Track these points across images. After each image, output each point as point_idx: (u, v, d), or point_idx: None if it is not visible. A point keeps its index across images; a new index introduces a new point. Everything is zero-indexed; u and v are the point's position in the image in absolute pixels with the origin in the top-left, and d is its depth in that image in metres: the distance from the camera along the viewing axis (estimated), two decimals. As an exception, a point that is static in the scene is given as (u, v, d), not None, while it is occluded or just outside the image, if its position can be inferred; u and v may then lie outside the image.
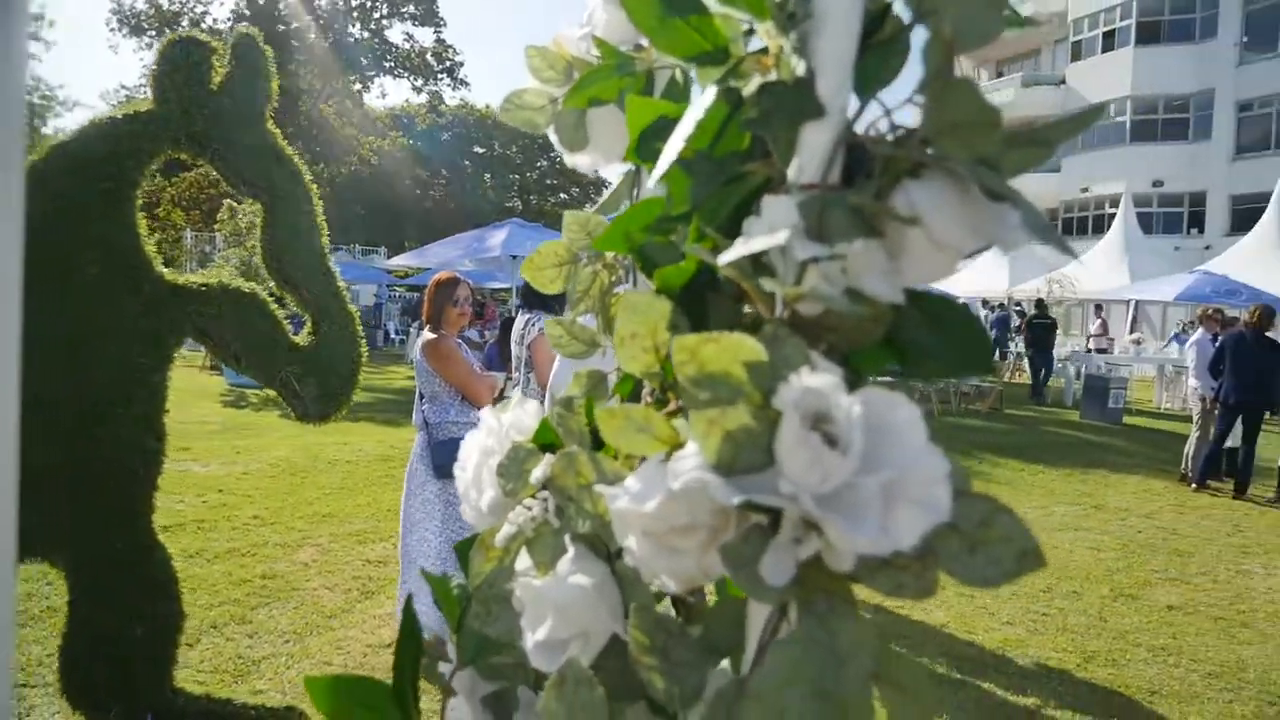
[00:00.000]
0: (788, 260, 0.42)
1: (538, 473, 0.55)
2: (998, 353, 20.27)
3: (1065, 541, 6.47)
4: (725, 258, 0.42)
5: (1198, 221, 32.40)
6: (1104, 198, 33.07)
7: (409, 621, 0.64)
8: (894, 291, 0.42)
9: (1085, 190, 34.76)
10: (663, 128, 0.52)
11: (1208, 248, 26.79)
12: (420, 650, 0.63)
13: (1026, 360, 18.33)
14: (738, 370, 0.40)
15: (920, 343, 0.44)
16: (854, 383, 0.42)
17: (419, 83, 34.78)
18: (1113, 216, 24.61)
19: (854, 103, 0.47)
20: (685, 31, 0.53)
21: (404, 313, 27.11)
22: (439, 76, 35.15)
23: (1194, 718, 3.86)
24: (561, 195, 50.60)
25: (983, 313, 22.58)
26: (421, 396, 4.25)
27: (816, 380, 0.39)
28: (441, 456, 4.11)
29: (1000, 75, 42.06)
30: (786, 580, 0.40)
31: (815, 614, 0.42)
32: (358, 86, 35.54)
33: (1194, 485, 8.72)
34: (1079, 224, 35.47)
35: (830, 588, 0.42)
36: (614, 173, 0.87)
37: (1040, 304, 17.79)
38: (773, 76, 0.47)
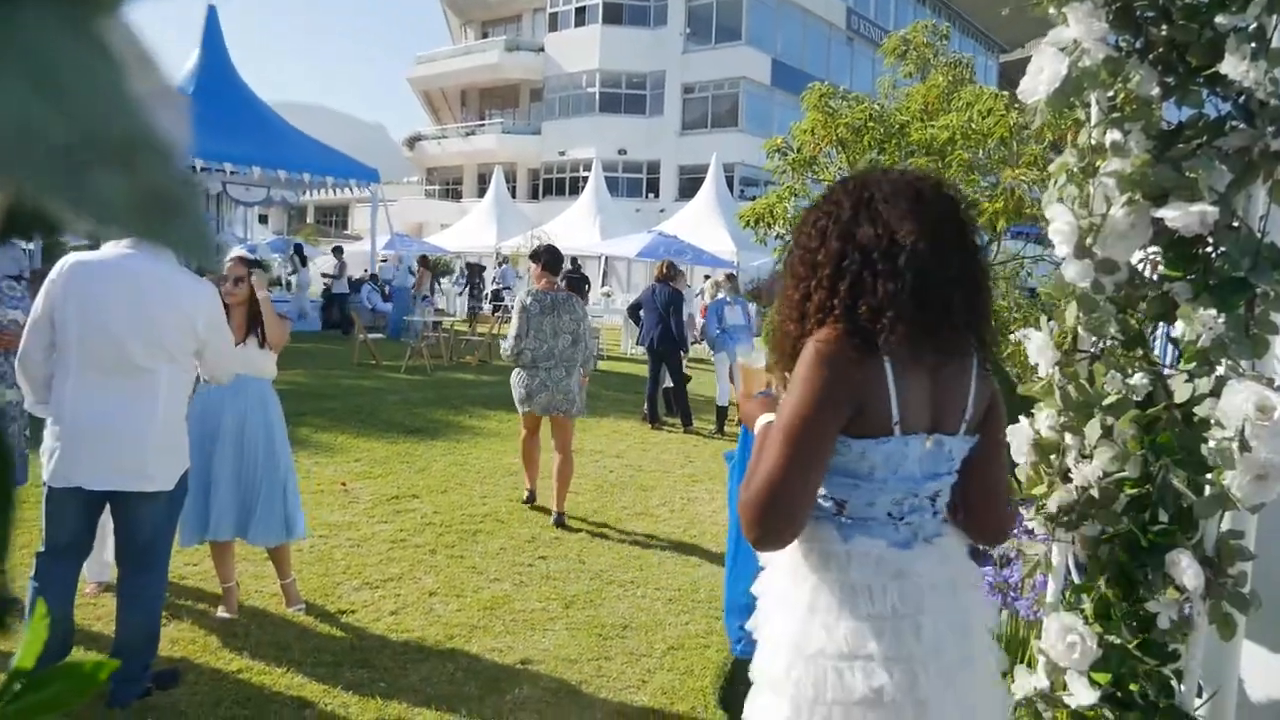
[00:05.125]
0: None
1: None
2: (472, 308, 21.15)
3: (547, 488, 6.74)
4: None
5: (654, 187, 36.80)
6: (579, 161, 35.98)
7: None
8: None
9: (563, 154, 37.51)
10: None
11: (662, 210, 30.56)
12: None
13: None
14: None
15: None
16: None
17: None
18: (587, 179, 26.80)
19: None
20: None
21: None
22: None
23: (660, 644, 4.22)
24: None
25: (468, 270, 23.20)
26: None
27: None
28: None
29: (486, 36, 43.38)
30: None
31: None
32: None
33: (652, 424, 9.82)
34: (558, 185, 38.23)
35: None
36: None
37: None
38: None
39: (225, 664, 3.73)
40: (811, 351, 1.56)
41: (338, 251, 19.35)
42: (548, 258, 6.11)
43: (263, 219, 30.29)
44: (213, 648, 3.88)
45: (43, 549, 3.21)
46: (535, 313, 5.93)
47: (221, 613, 4.19)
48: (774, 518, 1.53)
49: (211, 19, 17.57)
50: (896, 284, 1.53)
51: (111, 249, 3.19)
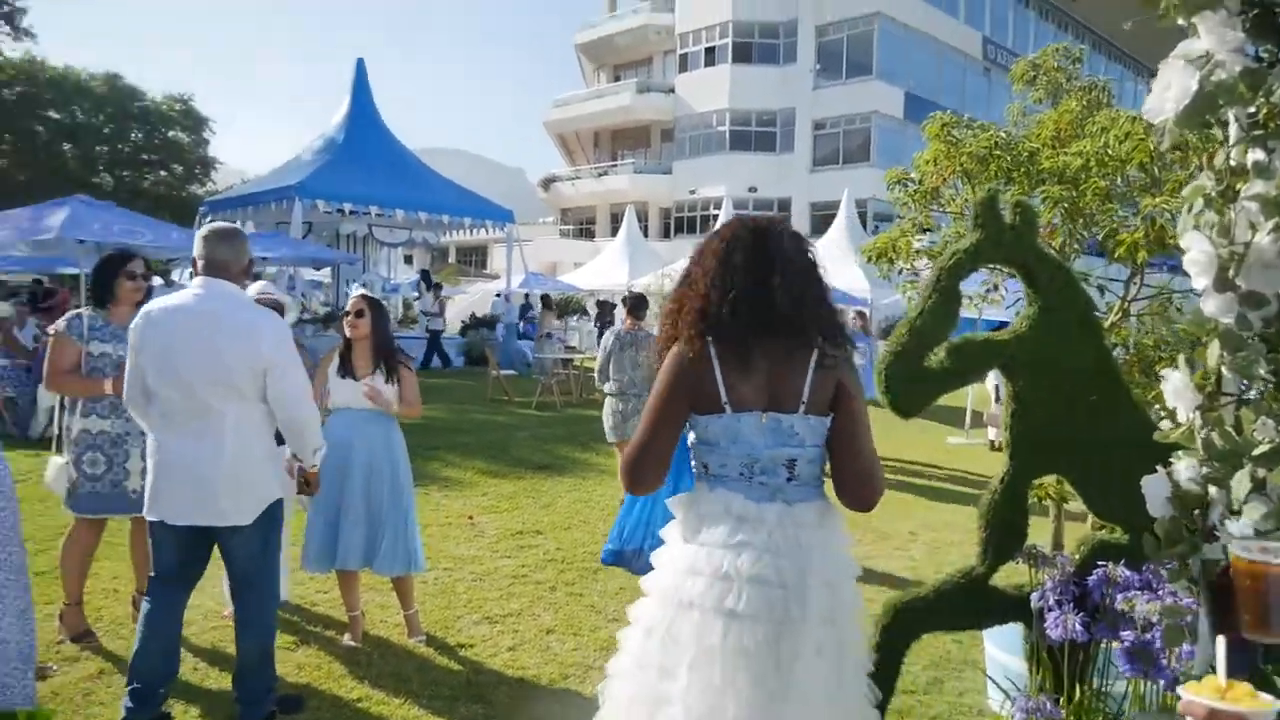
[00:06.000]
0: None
1: None
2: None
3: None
4: None
5: (785, 224, 36.49)
6: (709, 200, 36.15)
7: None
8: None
9: (693, 192, 37.77)
10: None
11: (793, 248, 30.19)
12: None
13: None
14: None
15: None
16: None
17: (-34, 29, 28.98)
18: (717, 217, 26.88)
19: None
20: None
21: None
22: (-7, 23, 29.57)
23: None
24: (162, 173, 45.13)
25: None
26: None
27: None
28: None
29: (618, 79, 44.37)
30: None
31: None
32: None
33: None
34: (689, 223, 38.47)
35: None
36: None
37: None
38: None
39: (347, 692, 3.82)
40: (668, 355, 2.17)
41: (436, 289, 19.34)
42: (633, 303, 7.35)
43: (408, 259, 31.75)
44: (336, 675, 3.98)
45: (152, 573, 3.37)
46: (616, 349, 7.08)
47: (347, 640, 4.31)
48: (636, 471, 2.12)
49: (360, 71, 18.63)
50: (721, 304, 2.09)
51: (186, 292, 3.29)
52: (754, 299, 2.07)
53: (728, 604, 1.97)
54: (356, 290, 4.47)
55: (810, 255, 2.20)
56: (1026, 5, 43.04)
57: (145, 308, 3.30)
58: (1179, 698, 1.32)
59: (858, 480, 2.11)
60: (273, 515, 3.39)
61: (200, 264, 3.29)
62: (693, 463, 2.21)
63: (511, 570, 5.59)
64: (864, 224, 25.40)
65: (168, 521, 3.24)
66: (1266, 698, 1.15)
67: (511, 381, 14.88)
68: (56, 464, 4.21)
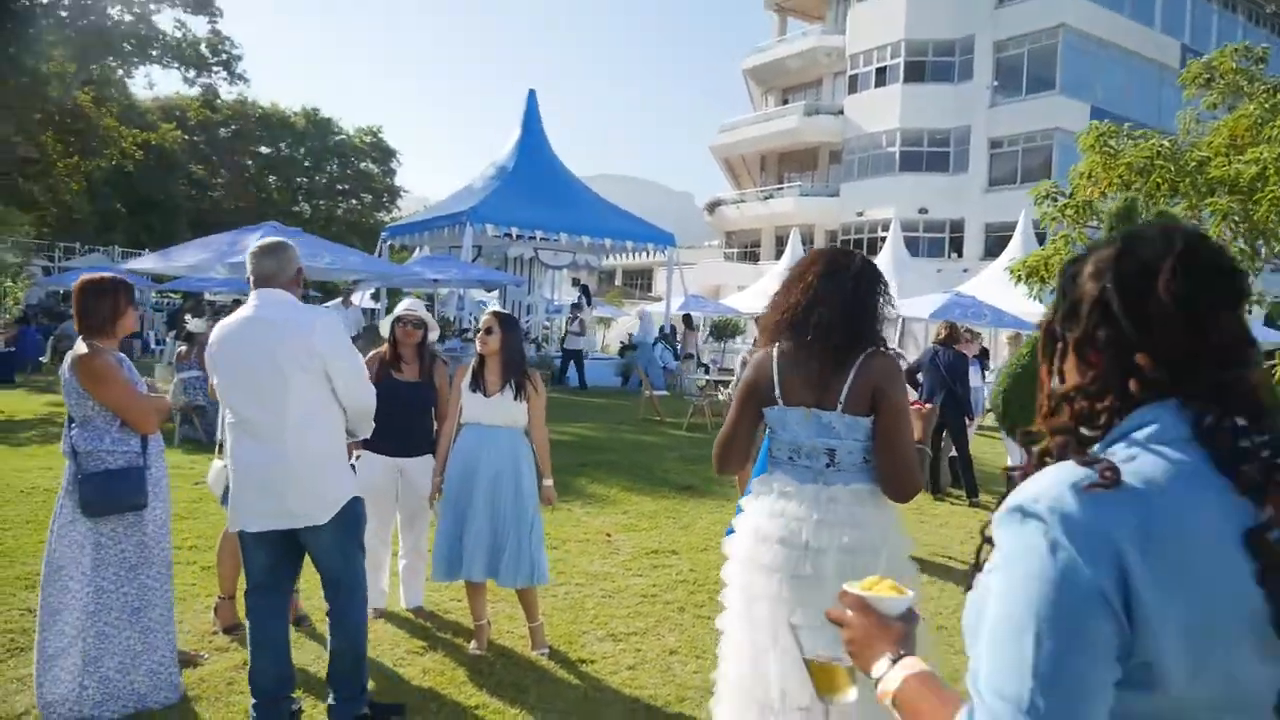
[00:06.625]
0: None
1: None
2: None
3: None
4: None
5: (958, 246, 35.11)
6: (877, 222, 35.24)
7: None
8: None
9: (860, 214, 36.92)
10: None
11: (965, 270, 29.00)
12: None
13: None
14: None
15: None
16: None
17: (191, 74, 32.19)
18: (885, 239, 26.13)
19: None
20: None
21: (168, 323, 24.64)
22: (214, 69, 32.72)
23: None
24: (353, 201, 48.49)
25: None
26: (71, 421, 3.64)
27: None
28: (91, 491, 3.52)
29: (786, 103, 44.10)
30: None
31: None
32: (120, 73, 32.45)
33: (934, 494, 9.19)
34: (856, 245, 37.55)
35: None
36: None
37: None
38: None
39: (466, 698, 3.90)
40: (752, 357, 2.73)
41: (575, 307, 19.10)
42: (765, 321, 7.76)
43: (575, 282, 32.59)
44: (458, 681, 4.07)
45: (247, 585, 3.49)
46: None
47: (472, 648, 4.41)
48: (721, 455, 2.72)
49: (531, 101, 19.36)
50: (786, 317, 2.56)
51: (245, 306, 3.40)
52: (810, 315, 2.49)
53: (757, 557, 2.50)
54: (490, 307, 4.60)
55: (869, 283, 2.57)
56: (1234, 10, 39.80)
57: (215, 327, 3.46)
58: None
59: (892, 472, 2.49)
60: (350, 514, 3.43)
61: (251, 278, 3.42)
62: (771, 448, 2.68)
63: (641, 589, 5.58)
64: (1042, 245, 24.04)
65: (245, 529, 3.35)
66: (910, 593, 1.26)
67: (664, 402, 14.94)
68: (216, 467, 4.54)
